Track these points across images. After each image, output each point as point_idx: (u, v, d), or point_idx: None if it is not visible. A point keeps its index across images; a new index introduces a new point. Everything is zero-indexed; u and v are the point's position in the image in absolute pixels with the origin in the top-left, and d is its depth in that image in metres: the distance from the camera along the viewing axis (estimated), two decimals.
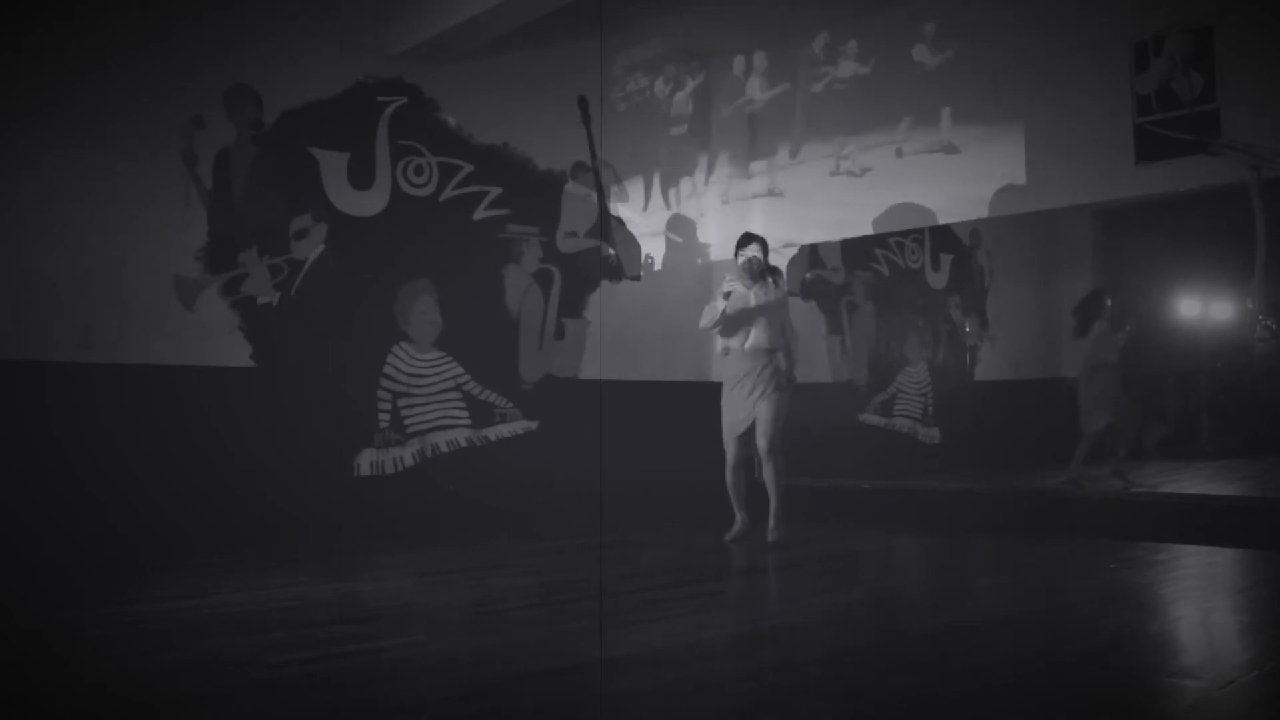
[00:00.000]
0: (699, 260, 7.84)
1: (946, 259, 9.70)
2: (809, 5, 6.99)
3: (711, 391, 7.74)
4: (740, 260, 5.59)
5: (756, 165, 7.66)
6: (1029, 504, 6.37)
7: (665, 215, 7.70)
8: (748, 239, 5.66)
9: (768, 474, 5.55)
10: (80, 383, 5.27)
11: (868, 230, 7.26)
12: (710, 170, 7.89)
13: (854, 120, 7.06)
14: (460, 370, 6.57)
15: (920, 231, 9.20)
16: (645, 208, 7.57)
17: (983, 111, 6.44)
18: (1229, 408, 10.34)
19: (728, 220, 7.78)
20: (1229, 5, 5.46)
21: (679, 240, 7.76)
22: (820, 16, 7.11)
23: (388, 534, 5.59)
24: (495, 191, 6.77)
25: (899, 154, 6.81)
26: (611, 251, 7.33)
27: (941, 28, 6.64)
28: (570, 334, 7.10)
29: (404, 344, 6.35)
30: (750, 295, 5.54)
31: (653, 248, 7.61)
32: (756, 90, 7.65)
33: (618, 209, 7.42)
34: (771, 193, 7.52)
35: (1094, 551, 5.25)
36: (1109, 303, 7.60)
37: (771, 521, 5.52)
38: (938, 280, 9.65)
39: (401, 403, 6.32)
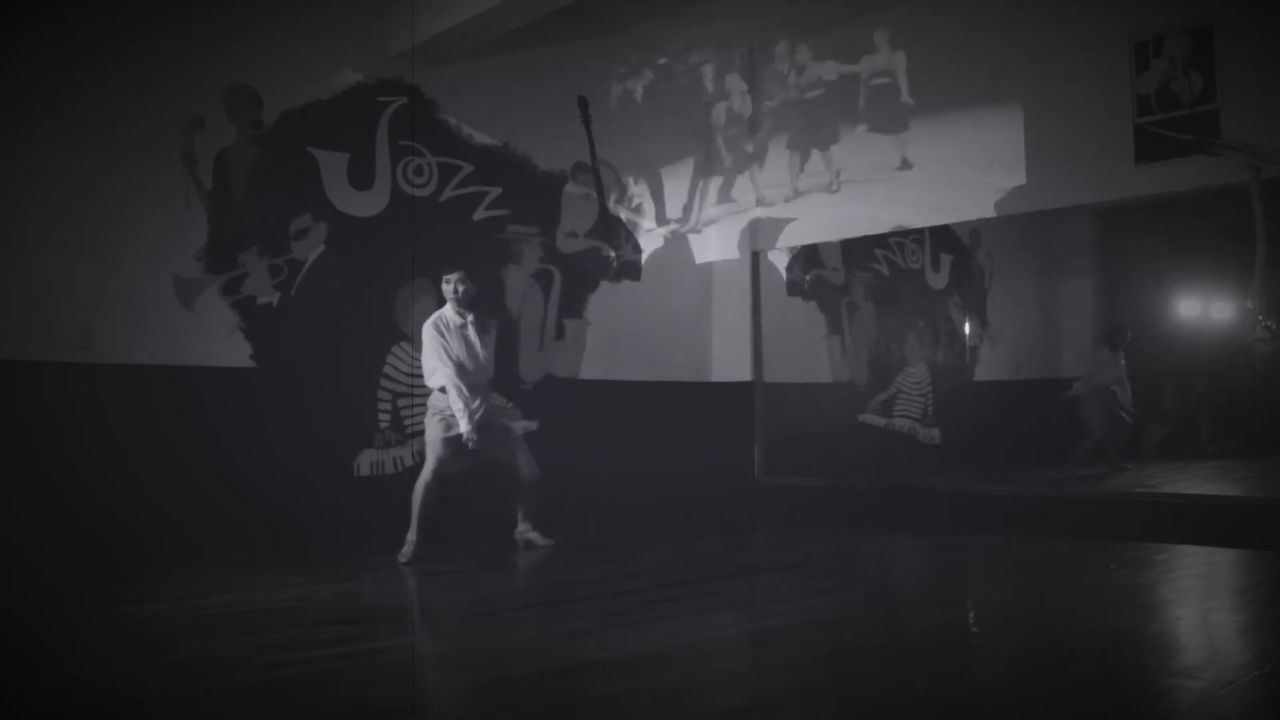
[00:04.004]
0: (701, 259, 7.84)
1: (946, 259, 9.70)
2: (811, 6, 6.99)
3: (711, 392, 7.78)
4: (447, 289, 5.38)
5: (756, 168, 7.65)
6: (1029, 504, 6.37)
7: (664, 215, 7.70)
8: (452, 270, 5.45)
9: (535, 493, 5.46)
10: (80, 383, 5.26)
11: (868, 230, 7.26)
12: (711, 175, 7.89)
13: (854, 122, 7.06)
14: None
15: (920, 232, 9.20)
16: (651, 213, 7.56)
17: (983, 111, 6.44)
18: (1229, 408, 10.33)
19: (726, 223, 7.77)
20: (1229, 5, 5.45)
21: (678, 240, 7.76)
22: (821, 17, 7.11)
23: (388, 534, 5.58)
24: (495, 192, 6.77)
25: (899, 159, 6.80)
26: (611, 252, 7.33)
27: (942, 28, 6.64)
28: (570, 334, 7.10)
29: (404, 344, 6.35)
30: (468, 322, 5.37)
31: (650, 248, 7.60)
32: (750, 94, 7.64)
33: (617, 209, 7.42)
34: (780, 199, 7.51)
35: (1094, 551, 5.25)
36: (1129, 335, 8.29)
37: (531, 527, 5.46)
38: (938, 280, 9.64)
39: (401, 403, 6.32)
